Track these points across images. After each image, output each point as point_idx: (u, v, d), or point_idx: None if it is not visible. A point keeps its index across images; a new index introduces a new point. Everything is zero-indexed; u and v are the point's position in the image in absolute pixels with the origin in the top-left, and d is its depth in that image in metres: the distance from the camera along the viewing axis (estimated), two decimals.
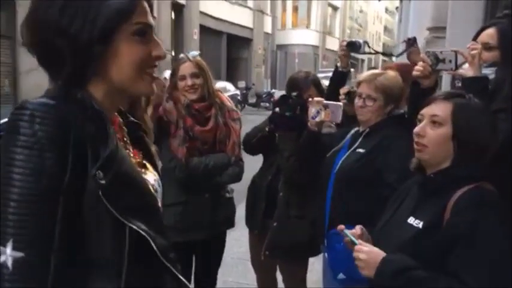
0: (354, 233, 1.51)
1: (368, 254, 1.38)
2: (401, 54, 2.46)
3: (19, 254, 0.70)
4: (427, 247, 1.29)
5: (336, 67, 2.51)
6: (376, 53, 2.81)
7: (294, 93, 2.28)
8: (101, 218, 0.78)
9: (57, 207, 0.73)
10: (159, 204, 0.94)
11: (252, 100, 19.03)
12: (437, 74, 1.85)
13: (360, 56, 39.23)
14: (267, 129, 2.40)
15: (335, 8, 37.26)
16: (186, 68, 2.27)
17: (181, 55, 2.36)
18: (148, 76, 0.87)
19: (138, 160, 0.96)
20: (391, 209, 1.55)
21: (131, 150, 0.95)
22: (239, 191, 2.61)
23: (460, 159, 1.36)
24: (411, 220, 1.38)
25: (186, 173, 2.23)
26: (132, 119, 1.01)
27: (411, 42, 2.37)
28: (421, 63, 1.81)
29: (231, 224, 2.50)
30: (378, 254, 1.36)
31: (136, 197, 0.85)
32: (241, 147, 2.43)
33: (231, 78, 21.90)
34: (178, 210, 2.25)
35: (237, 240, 3.57)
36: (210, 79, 2.32)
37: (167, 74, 2.86)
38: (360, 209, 1.87)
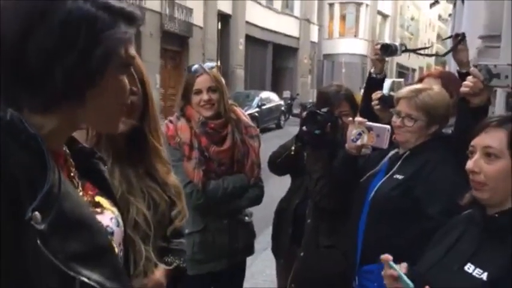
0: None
1: None
2: (447, 53, 2.22)
3: None
4: None
5: (370, 73, 2.31)
6: (418, 53, 2.59)
7: (324, 109, 2.08)
8: (43, 272, 0.64)
9: None
10: (114, 244, 0.82)
11: (297, 111, 18.82)
12: (489, 90, 1.61)
13: (411, 65, 38.37)
14: (293, 148, 2.20)
15: (385, 16, 36.51)
16: (202, 82, 2.05)
17: (196, 66, 2.12)
18: (121, 112, 0.80)
19: (89, 199, 0.83)
20: (440, 249, 1.35)
21: (80, 188, 0.82)
22: (268, 213, 2.43)
23: None
24: (470, 268, 1.20)
25: (204, 198, 2.04)
26: (83, 145, 0.87)
27: (459, 40, 2.12)
28: (470, 77, 1.58)
29: (251, 251, 2.32)
30: None
31: (85, 241, 0.70)
32: (261, 166, 2.23)
33: (276, 88, 21.84)
34: (196, 240, 2.07)
35: (270, 262, 3.42)
36: (226, 93, 2.12)
37: None
38: (396, 243, 1.65)
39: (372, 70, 2.29)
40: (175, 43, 16.29)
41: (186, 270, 1.48)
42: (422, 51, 2.72)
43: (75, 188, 0.80)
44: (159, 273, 1.37)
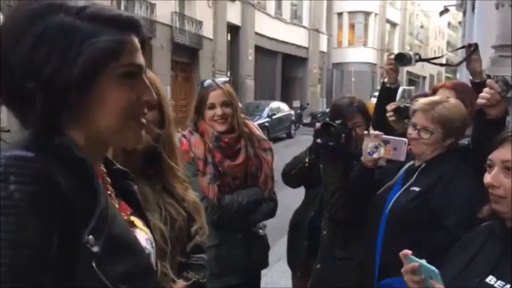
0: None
1: None
2: (461, 62, 2.21)
3: None
4: None
5: (383, 83, 2.30)
6: (432, 62, 2.57)
7: (338, 121, 2.09)
8: None
9: (42, 283, 0.61)
10: (153, 263, 0.84)
11: (307, 120, 18.81)
12: (506, 102, 1.59)
13: (421, 73, 38.14)
14: (307, 159, 2.21)
15: (394, 25, 36.46)
16: (216, 96, 2.05)
17: (208, 81, 2.14)
18: (137, 123, 0.76)
19: (126, 218, 0.84)
20: (460, 261, 1.34)
21: (117, 205, 0.83)
22: (282, 224, 2.44)
23: None
24: (491, 280, 1.19)
25: (219, 213, 2.05)
26: (117, 166, 0.88)
27: (472, 50, 2.10)
28: (487, 89, 1.57)
29: (265, 264, 2.31)
30: None
31: (131, 262, 0.73)
32: (275, 179, 2.23)
33: (286, 98, 21.87)
34: (212, 254, 2.03)
35: (285, 273, 3.41)
36: (239, 108, 2.14)
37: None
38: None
39: (386, 80, 2.29)
40: (186, 55, 16.44)
41: (205, 285, 1.47)
42: (435, 61, 2.70)
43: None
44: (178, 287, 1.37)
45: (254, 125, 2.27)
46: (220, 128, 2.06)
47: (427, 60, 2.53)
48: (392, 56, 2.25)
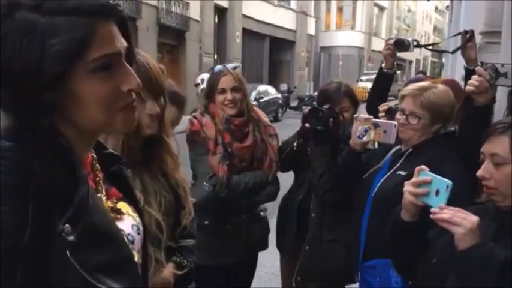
0: None
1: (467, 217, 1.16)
2: (457, 50, 2.21)
3: None
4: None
5: (381, 68, 2.33)
6: (429, 49, 2.60)
7: (326, 106, 2.12)
8: (68, 281, 0.65)
9: (16, 271, 0.61)
10: (135, 253, 0.83)
11: (294, 103, 18.81)
12: (494, 89, 1.62)
13: (408, 57, 38.30)
14: (295, 144, 2.24)
15: (381, 8, 36.38)
16: (226, 81, 2.13)
17: (219, 66, 2.22)
18: (123, 112, 0.74)
19: (111, 205, 0.83)
20: (450, 238, 1.35)
21: (104, 193, 0.83)
22: (269, 207, 2.48)
23: None
24: None
25: (227, 191, 2.10)
26: (110, 150, 0.88)
27: (468, 37, 2.10)
28: (476, 77, 1.59)
29: (265, 245, 2.39)
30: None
31: (110, 252, 0.73)
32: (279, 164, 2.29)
33: (273, 81, 21.78)
34: (215, 232, 2.13)
35: (271, 254, 3.46)
36: (247, 93, 2.22)
37: (200, 78, 2.74)
38: None
39: (383, 65, 2.31)
40: (172, 37, 16.19)
41: (193, 270, 1.50)
42: (432, 47, 2.72)
43: (99, 193, 0.81)
44: (167, 271, 1.39)
45: (261, 112, 2.34)
46: (231, 111, 2.13)
47: (424, 46, 2.55)
48: (391, 42, 2.26)
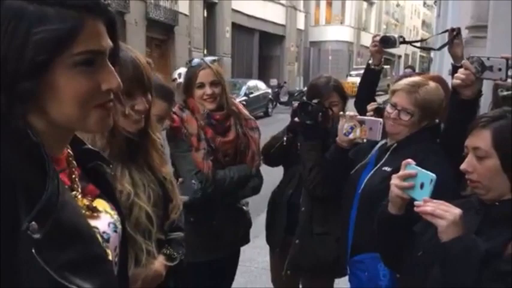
0: None
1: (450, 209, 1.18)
2: (443, 47, 2.24)
3: None
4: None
5: (368, 64, 2.35)
6: (414, 46, 2.62)
7: (315, 101, 2.13)
8: (35, 281, 0.64)
9: None
10: (109, 252, 0.82)
11: (284, 98, 18.81)
12: (480, 83, 1.63)
13: (396, 52, 38.52)
14: (285, 138, 2.25)
15: (371, 3, 36.47)
16: (205, 76, 2.08)
17: (197, 60, 2.16)
18: (98, 111, 0.73)
19: (87, 203, 0.81)
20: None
21: (79, 190, 0.81)
22: (258, 202, 2.47)
23: None
24: None
25: (213, 186, 2.08)
26: (88, 146, 0.86)
27: (455, 34, 2.13)
28: (462, 70, 1.60)
29: (247, 239, 2.37)
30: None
31: (79, 250, 0.70)
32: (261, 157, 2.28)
33: (263, 76, 21.76)
34: (202, 228, 2.10)
35: (262, 249, 3.48)
36: (227, 87, 2.16)
37: (177, 73, 2.70)
38: None
39: (371, 61, 2.32)
40: (161, 31, 16.07)
41: (183, 262, 1.50)
42: (418, 44, 2.76)
43: (74, 191, 0.79)
44: (158, 263, 1.39)
45: (241, 105, 2.30)
46: (210, 106, 2.09)
47: (410, 42, 2.57)
48: (378, 38, 2.28)
